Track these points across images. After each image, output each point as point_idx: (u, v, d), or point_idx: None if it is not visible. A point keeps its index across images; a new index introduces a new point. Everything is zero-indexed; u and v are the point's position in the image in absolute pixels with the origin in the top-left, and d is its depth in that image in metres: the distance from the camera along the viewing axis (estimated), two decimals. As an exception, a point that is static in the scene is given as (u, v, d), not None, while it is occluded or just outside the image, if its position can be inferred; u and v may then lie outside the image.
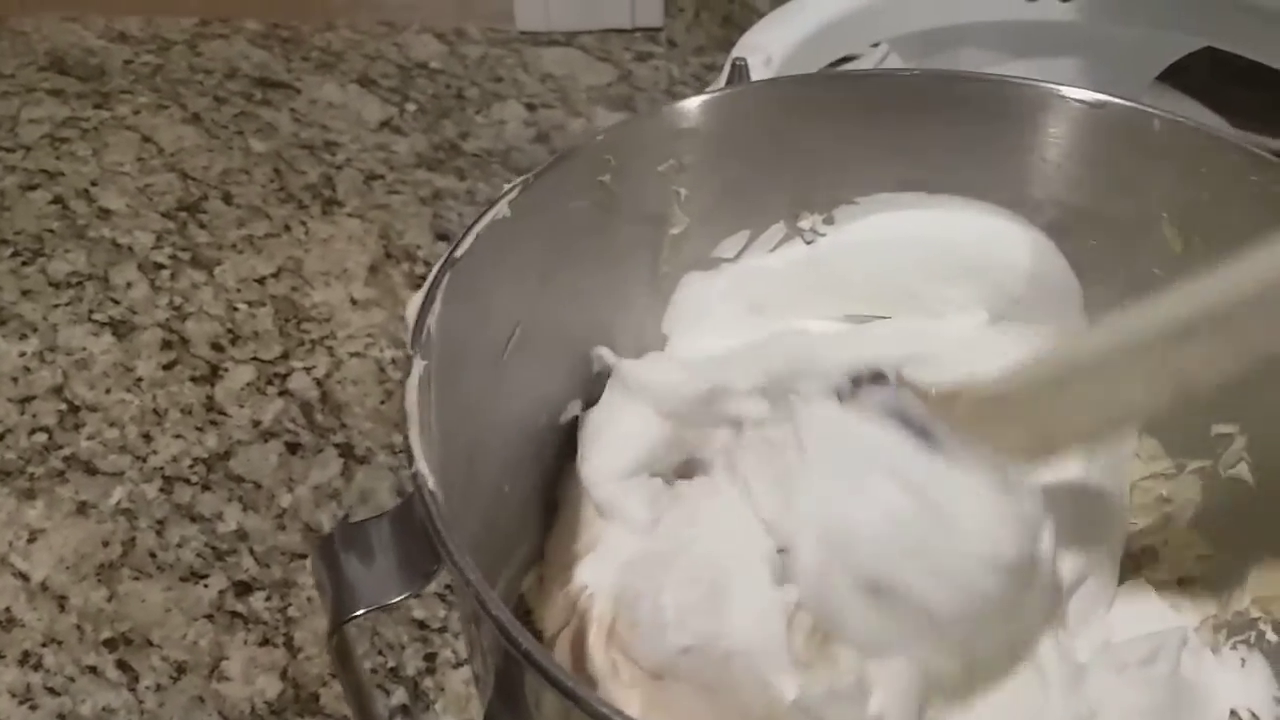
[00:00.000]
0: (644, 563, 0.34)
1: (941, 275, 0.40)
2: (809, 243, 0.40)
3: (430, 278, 0.31)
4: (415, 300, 0.30)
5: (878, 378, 0.34)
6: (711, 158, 0.37)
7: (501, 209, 0.33)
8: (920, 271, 0.40)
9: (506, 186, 0.33)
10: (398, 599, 0.27)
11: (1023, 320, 0.39)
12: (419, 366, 0.29)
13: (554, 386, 0.38)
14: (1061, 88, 0.36)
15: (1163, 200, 0.35)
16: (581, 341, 0.39)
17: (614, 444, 0.37)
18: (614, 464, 0.37)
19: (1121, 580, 0.37)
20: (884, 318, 0.41)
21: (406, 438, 0.27)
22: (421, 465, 0.26)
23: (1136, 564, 0.37)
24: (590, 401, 0.38)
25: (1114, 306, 0.38)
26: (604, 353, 0.39)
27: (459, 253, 0.32)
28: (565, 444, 0.38)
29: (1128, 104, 0.35)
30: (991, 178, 0.38)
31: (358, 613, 0.27)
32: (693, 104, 0.37)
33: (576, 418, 0.38)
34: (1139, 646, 0.35)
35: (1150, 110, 0.35)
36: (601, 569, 0.35)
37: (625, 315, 0.39)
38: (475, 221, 0.32)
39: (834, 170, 0.38)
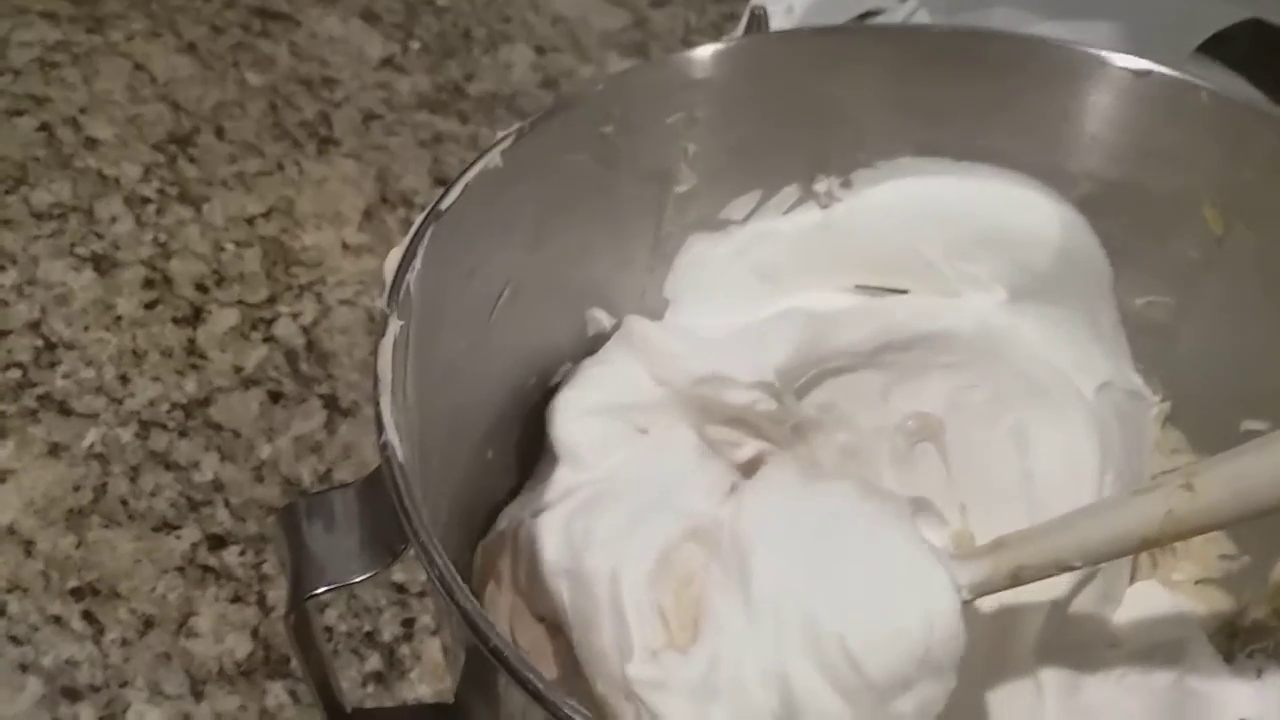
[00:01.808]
0: (570, 500, 0.33)
1: (962, 248, 0.37)
2: (824, 207, 0.38)
3: (412, 231, 0.29)
4: (394, 255, 0.28)
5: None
6: (723, 112, 0.35)
7: (493, 158, 0.31)
8: (939, 243, 0.37)
9: (500, 134, 0.31)
10: (361, 578, 0.25)
11: (1046, 301, 0.37)
12: (394, 327, 0.27)
13: (545, 348, 0.36)
14: (1103, 53, 0.33)
15: (1205, 179, 0.33)
16: (576, 302, 0.37)
17: (591, 381, 0.36)
18: (583, 399, 0.35)
19: (1136, 578, 0.35)
20: (897, 290, 0.39)
21: (377, 404, 0.25)
22: (391, 435, 0.25)
23: (1154, 562, 0.36)
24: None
25: (1145, 291, 0.36)
26: (600, 314, 0.37)
27: (444, 205, 0.29)
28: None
29: (1174, 74, 0.33)
30: (1022, 146, 0.35)
31: (318, 591, 0.25)
32: (705, 53, 0.34)
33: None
34: (1143, 648, 0.33)
35: (1197, 82, 0.32)
36: (523, 506, 0.34)
37: (625, 276, 0.37)
38: (463, 171, 0.30)
39: (854, 131, 0.36)
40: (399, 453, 0.24)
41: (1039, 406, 0.37)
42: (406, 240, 0.28)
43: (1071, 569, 0.29)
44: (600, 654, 0.30)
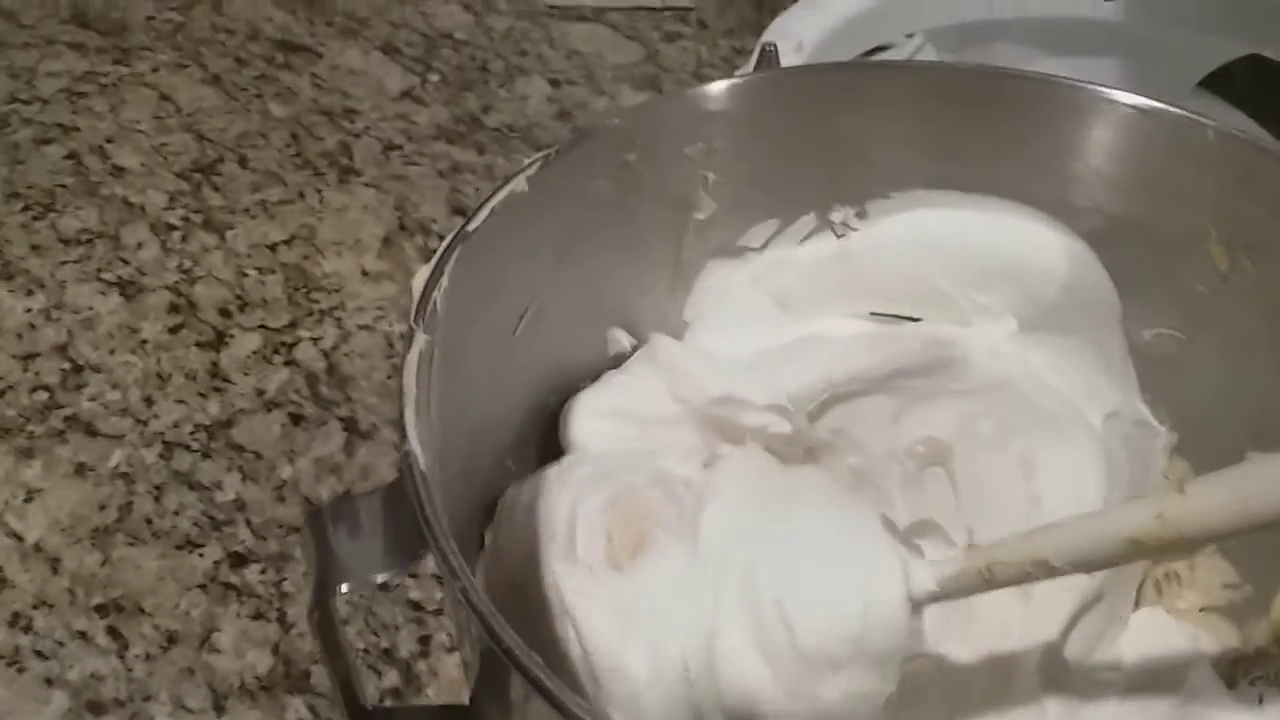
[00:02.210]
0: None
1: (973, 279, 0.38)
2: (840, 236, 0.39)
3: (440, 251, 0.30)
4: (422, 273, 0.29)
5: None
6: (743, 143, 0.36)
7: (519, 184, 0.32)
8: (952, 273, 0.38)
9: (526, 161, 0.32)
10: (382, 577, 0.26)
11: (1055, 331, 0.38)
12: (420, 341, 0.28)
13: (567, 366, 0.37)
14: (1111, 91, 0.34)
15: (1211, 215, 0.34)
16: (598, 323, 0.38)
17: (611, 387, 0.37)
18: (600, 402, 0.36)
19: (1141, 605, 0.36)
20: (911, 318, 0.40)
21: (401, 414, 0.26)
22: (414, 445, 0.26)
23: (1159, 590, 0.36)
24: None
25: (1153, 324, 0.37)
26: (620, 335, 0.38)
27: (472, 227, 0.31)
28: None
29: (1180, 112, 0.34)
30: (1032, 180, 0.36)
31: (341, 588, 0.26)
32: (725, 86, 0.35)
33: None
34: (1146, 673, 0.34)
35: (1203, 120, 0.33)
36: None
37: (646, 299, 0.38)
38: (491, 196, 0.31)
39: (869, 163, 0.37)
40: (421, 461, 0.25)
41: (1046, 434, 0.37)
42: (435, 259, 0.30)
43: (1053, 571, 0.28)
44: (545, 568, 0.31)
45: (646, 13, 0.78)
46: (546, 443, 0.37)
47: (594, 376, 0.37)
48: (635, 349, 0.38)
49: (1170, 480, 0.37)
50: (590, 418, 0.36)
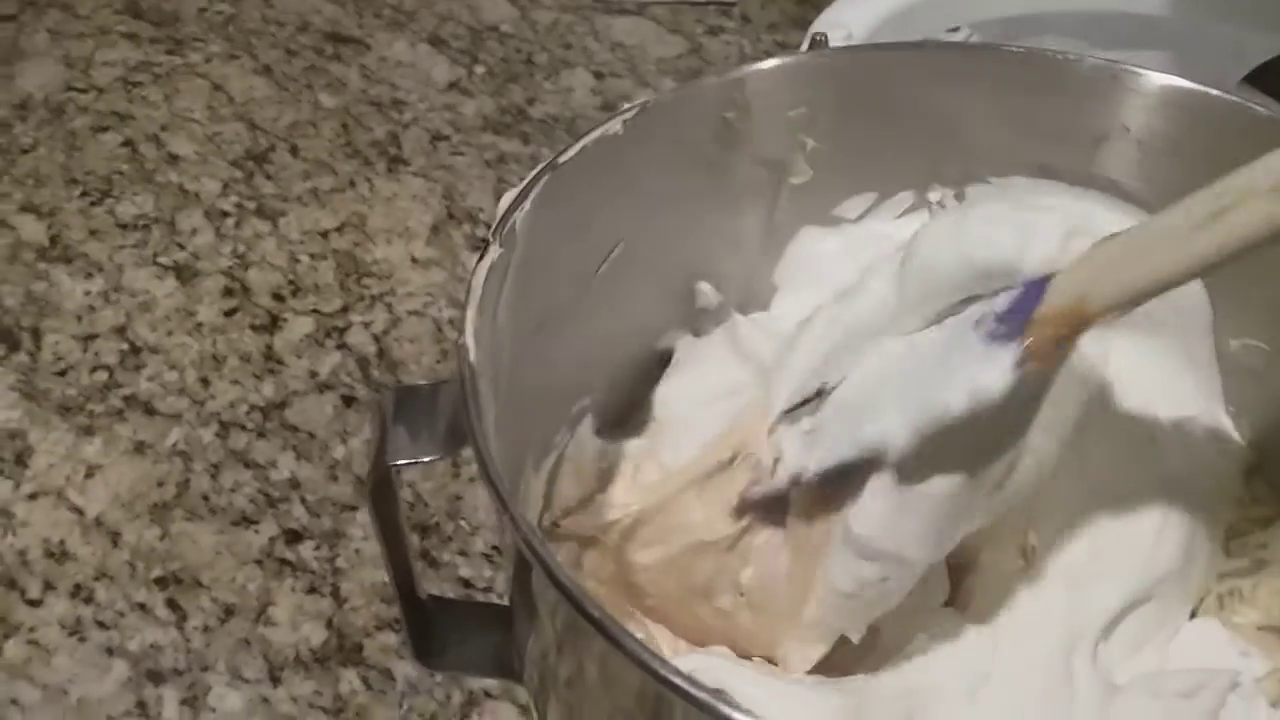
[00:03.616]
0: None
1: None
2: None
3: (529, 178, 0.31)
4: (509, 195, 0.30)
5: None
6: (843, 113, 0.36)
7: (614, 126, 0.33)
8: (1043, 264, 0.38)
9: (625, 105, 0.33)
10: (430, 457, 0.28)
11: (1141, 332, 0.37)
12: (494, 253, 0.29)
13: (651, 311, 0.38)
14: (1227, 96, 0.34)
15: None
16: (686, 273, 0.38)
17: (698, 377, 0.37)
18: (693, 390, 0.37)
19: (1196, 615, 0.36)
20: None
21: (464, 311, 0.28)
22: (469, 339, 0.27)
23: (1219, 603, 0.36)
24: (694, 332, 0.39)
25: (1240, 334, 0.36)
26: (707, 289, 0.39)
27: (561, 160, 0.31)
28: (655, 368, 0.39)
29: None
30: (1135, 178, 0.36)
31: (398, 462, 0.28)
32: (834, 54, 0.36)
33: (671, 348, 0.38)
34: (1183, 678, 0.33)
35: None
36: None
37: (735, 255, 0.39)
38: (585, 134, 0.32)
39: (970, 146, 0.37)
40: (472, 354, 0.27)
41: (1109, 431, 0.37)
42: (523, 184, 0.31)
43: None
44: None
45: (690, 7, 0.79)
46: (623, 386, 0.37)
47: (679, 326, 0.38)
48: (721, 305, 0.39)
49: (1245, 497, 0.37)
50: (682, 403, 0.36)
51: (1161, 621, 0.35)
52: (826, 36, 0.42)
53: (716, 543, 0.33)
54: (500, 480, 0.25)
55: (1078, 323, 0.27)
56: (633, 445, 0.37)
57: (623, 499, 0.35)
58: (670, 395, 0.37)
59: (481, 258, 0.29)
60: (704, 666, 0.32)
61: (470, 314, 0.28)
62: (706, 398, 0.36)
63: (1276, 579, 0.36)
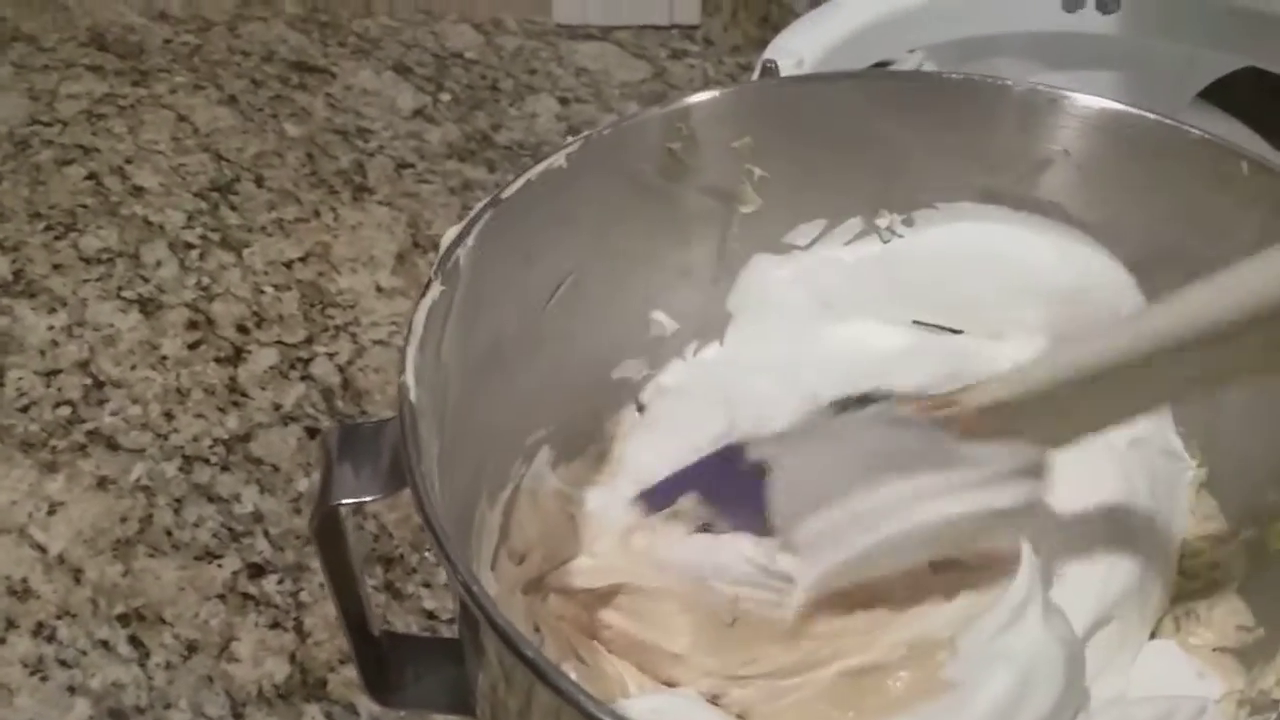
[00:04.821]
0: None
1: (1013, 296, 0.39)
2: (885, 241, 0.39)
3: (472, 213, 0.31)
4: (451, 231, 0.31)
5: (864, 399, 0.34)
6: (791, 141, 0.37)
7: (558, 159, 0.33)
8: (992, 288, 0.39)
9: (568, 140, 0.33)
10: (372, 497, 0.28)
11: None
12: (435, 291, 0.29)
13: (604, 342, 0.38)
14: (1168, 120, 0.34)
15: (1249, 247, 0.34)
16: (639, 303, 0.39)
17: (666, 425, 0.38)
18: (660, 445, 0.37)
19: (1155, 637, 0.36)
20: (950, 329, 0.40)
21: (404, 350, 0.28)
22: (410, 378, 0.27)
23: (1176, 624, 0.36)
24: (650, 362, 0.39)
25: None
26: (662, 317, 0.39)
27: (505, 194, 0.32)
28: (610, 397, 0.39)
29: (1222, 143, 0.34)
30: (1076, 202, 0.37)
31: (342, 502, 0.28)
32: (777, 85, 0.36)
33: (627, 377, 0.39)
34: (1150, 707, 0.34)
35: (1242, 153, 0.33)
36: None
37: (688, 284, 0.39)
38: (528, 169, 0.32)
39: (917, 172, 0.38)
40: (413, 393, 0.27)
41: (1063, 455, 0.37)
42: (466, 220, 0.31)
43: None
44: None
45: (654, 30, 0.79)
46: (576, 413, 0.38)
47: (633, 355, 0.39)
48: (676, 334, 0.39)
49: (1195, 515, 0.37)
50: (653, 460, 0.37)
51: (1122, 643, 0.35)
52: (777, 64, 0.43)
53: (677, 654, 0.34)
54: (436, 520, 0.25)
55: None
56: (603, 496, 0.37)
57: (610, 561, 0.35)
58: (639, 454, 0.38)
59: (423, 296, 0.29)
60: (666, 707, 0.32)
61: (410, 352, 0.28)
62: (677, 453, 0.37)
63: (1230, 600, 0.36)
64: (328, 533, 0.29)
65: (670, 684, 0.34)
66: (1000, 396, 0.31)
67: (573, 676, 0.23)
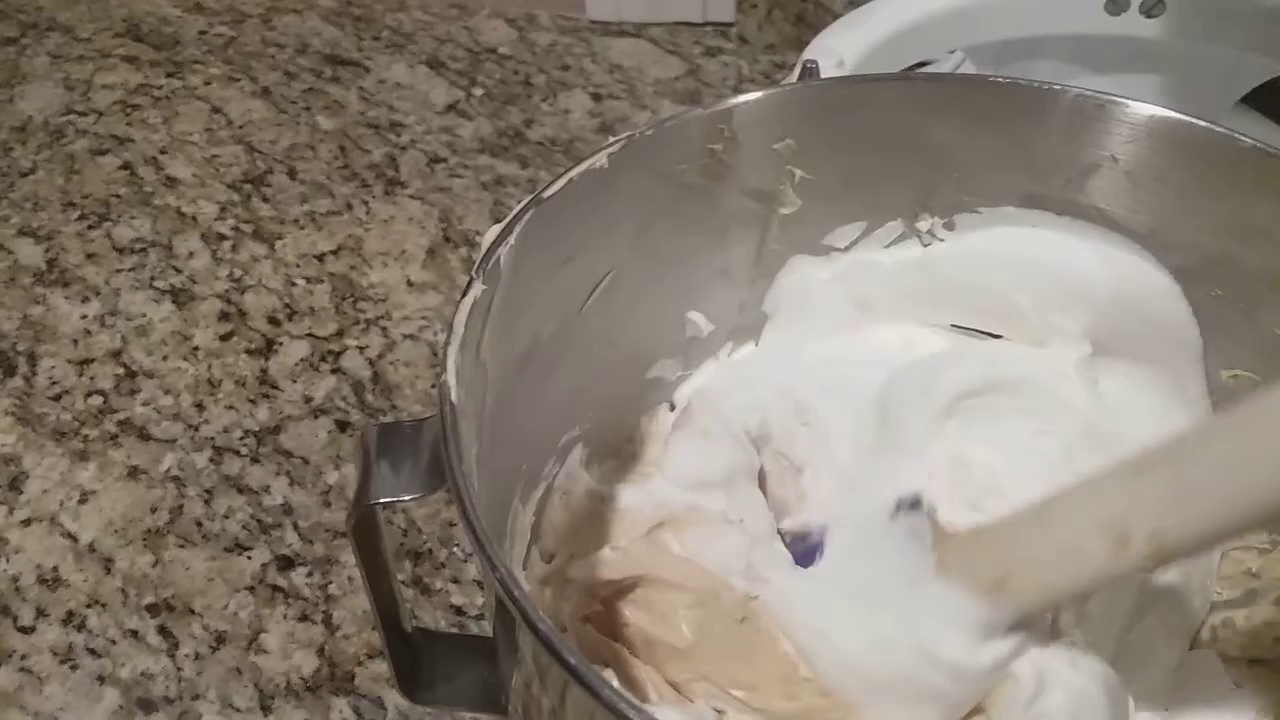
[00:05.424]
0: None
1: (1054, 301, 0.38)
2: (925, 245, 0.39)
3: (513, 213, 0.31)
4: (493, 230, 0.30)
5: (916, 504, 0.34)
6: (831, 144, 0.36)
7: (600, 160, 0.33)
8: (1033, 293, 0.38)
9: (610, 139, 0.33)
10: (411, 496, 0.28)
11: (1131, 361, 0.37)
12: (477, 290, 0.29)
13: (640, 341, 0.38)
14: (1207, 124, 0.34)
15: None
16: (676, 304, 0.39)
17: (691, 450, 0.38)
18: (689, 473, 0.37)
19: (1193, 647, 0.35)
20: (990, 334, 0.40)
21: (445, 350, 0.28)
22: (450, 377, 0.27)
23: (1213, 635, 0.36)
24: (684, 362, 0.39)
25: (1231, 364, 0.37)
26: (698, 318, 0.39)
27: (547, 194, 0.32)
28: (644, 396, 0.39)
29: (1271, 151, 0.33)
30: (1122, 208, 0.36)
31: (380, 500, 0.28)
32: (820, 86, 0.36)
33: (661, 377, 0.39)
34: (1184, 713, 0.33)
35: None
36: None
37: (725, 285, 0.39)
38: (570, 168, 0.32)
39: (959, 176, 0.37)
40: (453, 393, 0.27)
41: (1102, 458, 0.37)
42: (507, 219, 0.31)
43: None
44: None
45: (688, 27, 0.79)
46: (610, 414, 0.37)
47: (670, 355, 0.39)
48: (712, 335, 0.39)
49: None
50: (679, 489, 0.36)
51: (1159, 652, 0.35)
52: (818, 65, 0.42)
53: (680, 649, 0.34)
54: (478, 522, 0.25)
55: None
56: (635, 494, 0.36)
57: (632, 553, 0.35)
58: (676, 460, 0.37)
59: (464, 295, 0.29)
60: None
61: (452, 352, 0.28)
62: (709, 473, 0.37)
63: (1267, 610, 0.36)
64: (365, 531, 0.29)
65: (671, 681, 0.34)
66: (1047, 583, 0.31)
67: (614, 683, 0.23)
